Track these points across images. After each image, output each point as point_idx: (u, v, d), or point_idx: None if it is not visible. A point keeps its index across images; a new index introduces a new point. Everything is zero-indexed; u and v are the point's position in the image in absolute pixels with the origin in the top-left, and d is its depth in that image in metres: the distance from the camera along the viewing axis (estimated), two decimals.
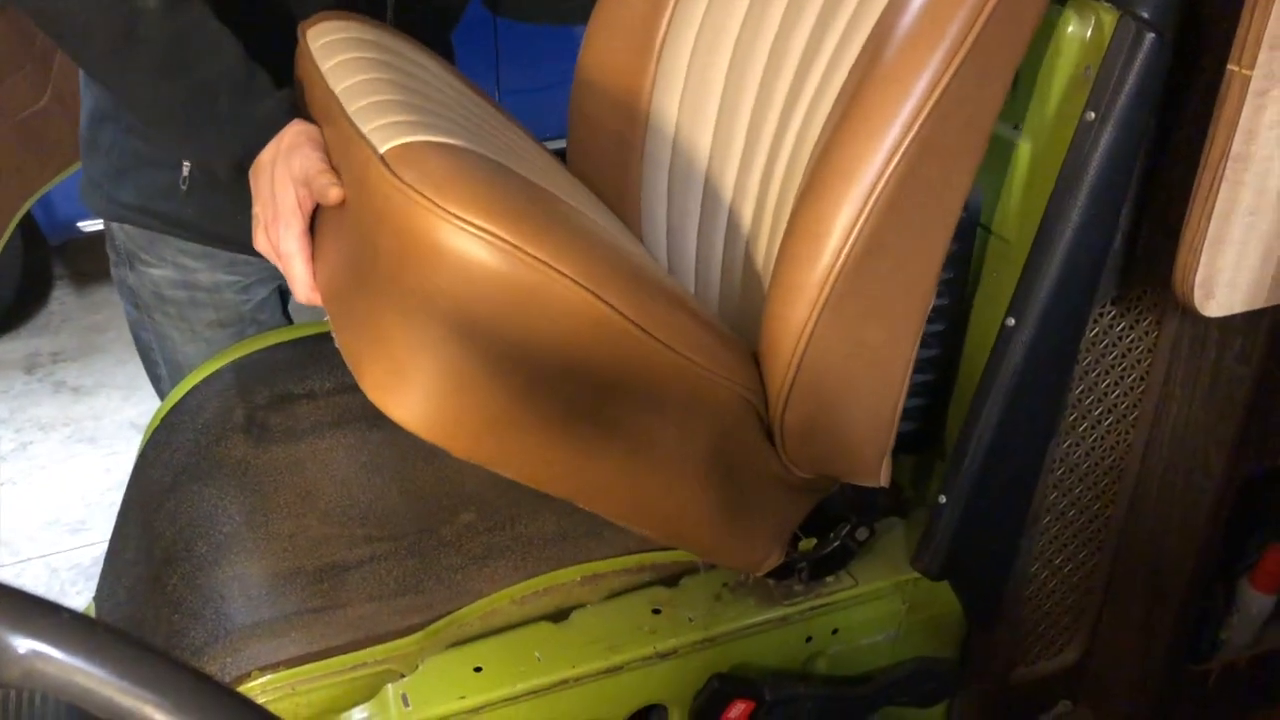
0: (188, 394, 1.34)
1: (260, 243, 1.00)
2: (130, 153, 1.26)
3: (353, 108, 0.89)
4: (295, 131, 1.00)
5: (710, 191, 1.12)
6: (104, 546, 1.34)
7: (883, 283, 0.89)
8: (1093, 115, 0.96)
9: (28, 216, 2.64)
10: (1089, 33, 0.97)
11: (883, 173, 0.83)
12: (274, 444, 1.26)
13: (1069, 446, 1.19)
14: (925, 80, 0.83)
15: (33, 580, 2.15)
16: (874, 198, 0.84)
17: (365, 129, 0.85)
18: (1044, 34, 1.00)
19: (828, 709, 1.14)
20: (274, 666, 1.01)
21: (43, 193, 1.79)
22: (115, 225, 1.34)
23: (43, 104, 1.65)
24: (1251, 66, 0.89)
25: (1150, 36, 0.93)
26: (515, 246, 0.76)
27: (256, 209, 1.00)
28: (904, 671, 1.18)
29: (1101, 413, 1.19)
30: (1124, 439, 1.22)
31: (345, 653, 1.03)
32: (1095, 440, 1.20)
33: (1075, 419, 1.17)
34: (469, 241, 0.76)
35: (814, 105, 0.97)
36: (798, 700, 1.11)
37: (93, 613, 1.30)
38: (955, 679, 1.22)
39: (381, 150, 0.81)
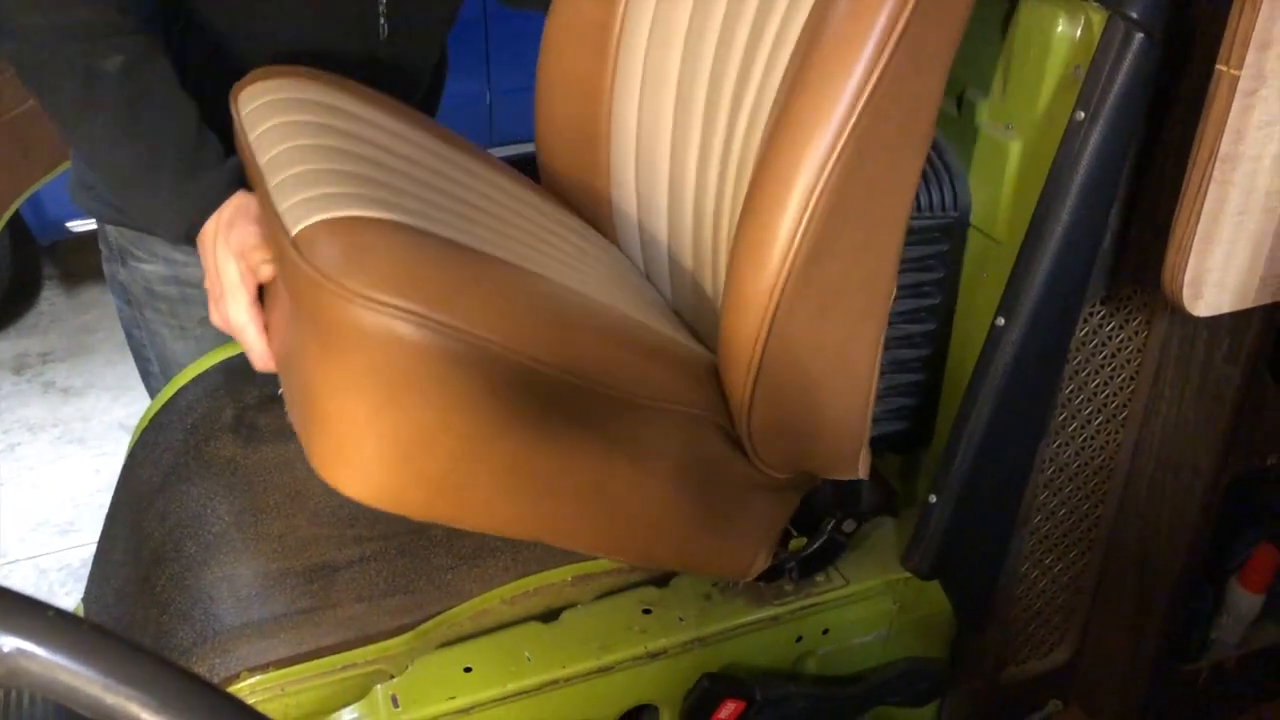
0: (177, 394, 1.33)
1: (213, 317, 1.02)
2: None
3: (273, 182, 0.90)
4: (235, 205, 1.02)
5: (674, 188, 1.12)
6: (93, 548, 1.34)
7: (834, 284, 0.88)
8: (1082, 115, 0.96)
9: (16, 216, 2.63)
10: (1078, 32, 0.97)
11: (819, 178, 0.82)
12: (263, 444, 1.26)
13: (1059, 446, 1.19)
14: (855, 80, 0.82)
15: (21, 581, 2.14)
16: (813, 204, 0.83)
17: (281, 207, 0.85)
18: (1034, 34, 1.00)
19: (818, 709, 1.14)
20: (263, 667, 1.00)
21: (31, 192, 1.78)
22: None
23: (30, 104, 1.64)
24: (1240, 67, 0.90)
25: (1139, 36, 0.93)
26: (425, 317, 0.77)
27: (206, 284, 1.03)
28: (894, 671, 1.18)
29: (1091, 412, 1.19)
30: (1114, 438, 1.22)
31: (335, 653, 1.02)
32: (1085, 440, 1.20)
33: (1065, 418, 1.17)
34: (379, 319, 0.77)
35: (760, 95, 0.97)
36: (788, 700, 1.11)
37: (81, 614, 1.30)
38: (946, 679, 1.23)
39: (292, 233, 0.82)
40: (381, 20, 1.25)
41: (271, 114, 0.99)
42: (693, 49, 1.08)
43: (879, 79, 0.81)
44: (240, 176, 1.03)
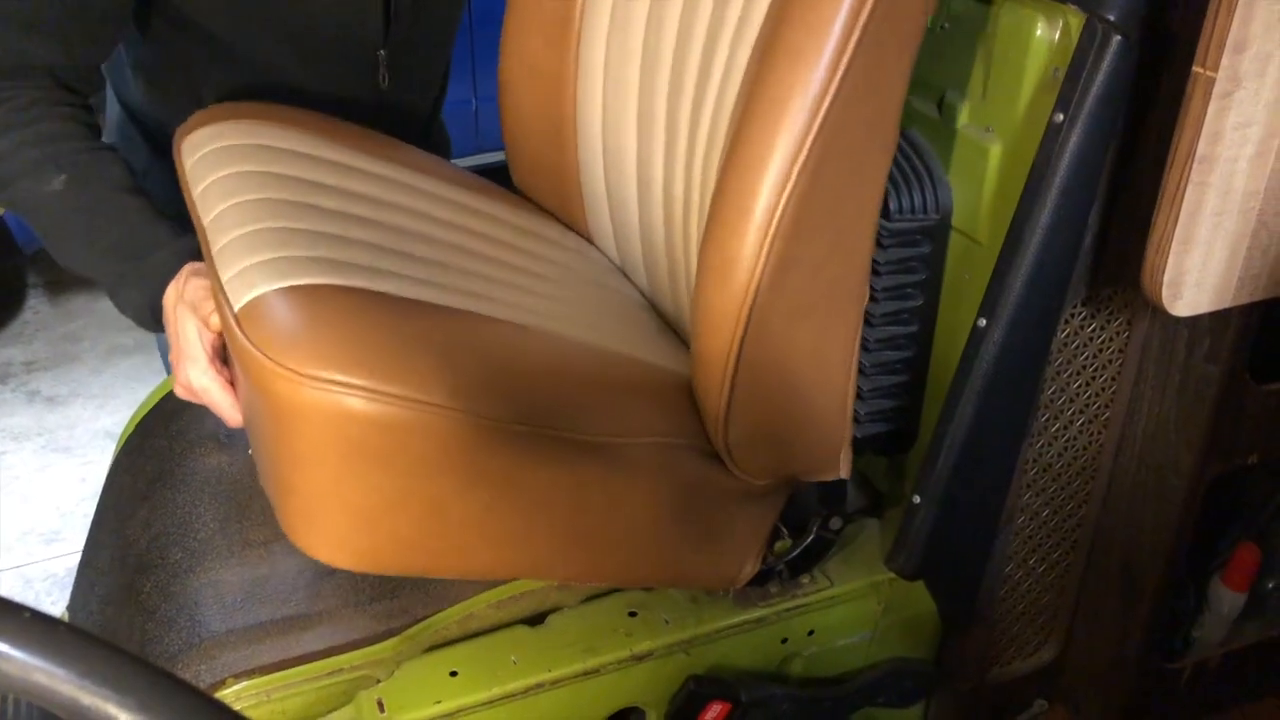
0: (161, 400, 1.33)
1: (177, 389, 1.04)
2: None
3: (217, 246, 0.90)
4: (190, 269, 1.04)
5: (642, 180, 1.12)
6: (78, 557, 1.33)
7: (803, 292, 0.87)
8: (1061, 117, 0.96)
9: (0, 224, 2.62)
10: (1057, 35, 0.98)
11: (782, 192, 0.81)
12: (248, 451, 1.26)
13: (1042, 446, 1.20)
14: (816, 86, 0.80)
15: (6, 591, 2.13)
16: (777, 218, 0.81)
17: (225, 277, 0.86)
18: (1013, 37, 1.01)
19: (804, 710, 1.14)
20: (249, 673, 1.00)
21: None
22: None
23: None
24: (1215, 69, 0.90)
25: (1117, 39, 0.93)
26: (374, 391, 0.77)
27: (170, 356, 1.04)
28: (880, 672, 1.19)
29: (1073, 413, 1.19)
30: (1096, 439, 1.23)
31: (321, 659, 1.02)
32: (1068, 440, 1.21)
33: (1047, 419, 1.18)
34: (327, 397, 0.77)
35: (723, 86, 0.96)
36: (774, 701, 1.11)
37: None
38: (931, 679, 1.23)
39: (235, 309, 0.82)
40: (382, 70, 1.27)
41: (215, 166, 0.99)
42: (653, 39, 1.07)
43: (840, 83, 0.80)
44: (195, 251, 1.05)
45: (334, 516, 0.83)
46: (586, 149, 1.18)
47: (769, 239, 0.82)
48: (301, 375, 0.77)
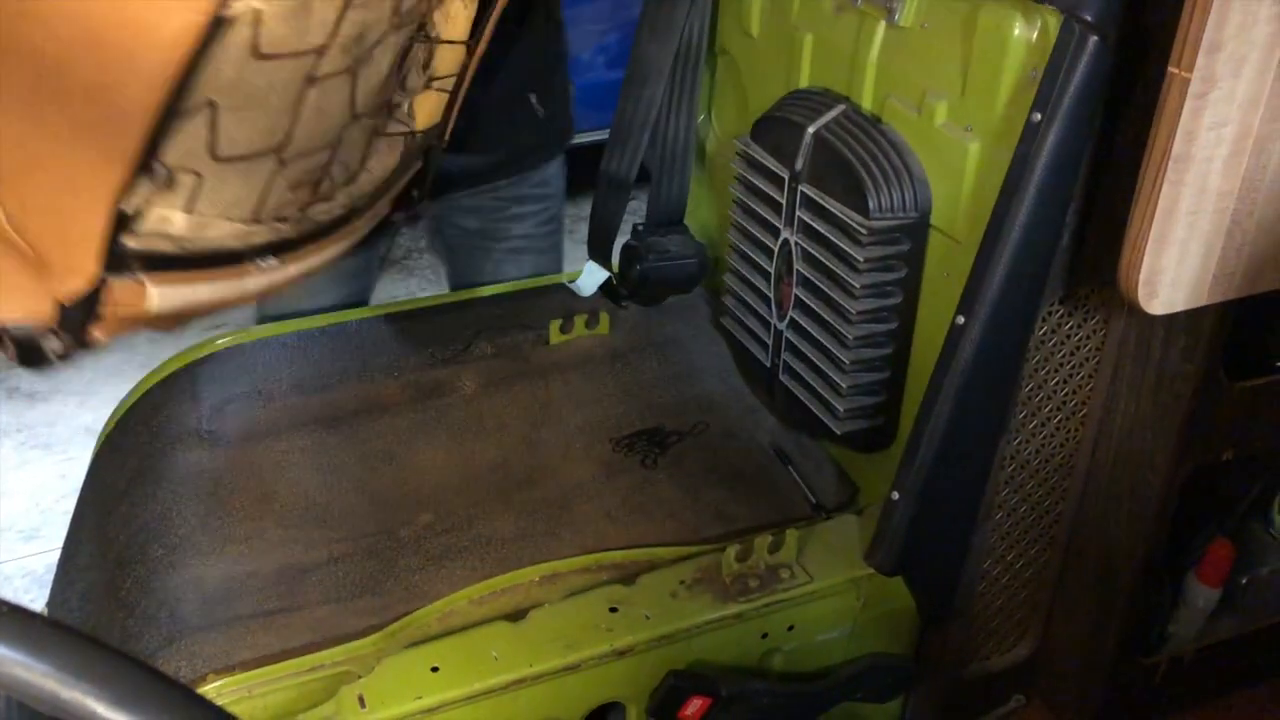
0: (142, 396, 1.33)
1: None
2: None
3: None
4: None
5: None
6: (58, 554, 1.33)
7: None
8: (1039, 116, 0.97)
9: None
10: (1035, 35, 0.99)
11: None
12: (229, 447, 1.26)
13: (1019, 443, 1.21)
14: None
15: None
16: None
17: None
18: (992, 37, 1.01)
19: (784, 705, 1.14)
20: (230, 669, 1.00)
21: None
22: None
23: None
24: (1190, 69, 0.91)
25: (1093, 39, 0.94)
26: None
27: None
28: (859, 667, 1.19)
29: (1051, 410, 1.20)
30: (1073, 435, 1.24)
31: (302, 654, 1.03)
32: (1045, 437, 1.22)
33: (1025, 416, 1.19)
34: None
35: None
36: (754, 696, 1.12)
37: None
38: (910, 675, 1.24)
39: None
40: None
41: None
42: None
43: None
44: None
45: None
46: None
47: None
48: None
